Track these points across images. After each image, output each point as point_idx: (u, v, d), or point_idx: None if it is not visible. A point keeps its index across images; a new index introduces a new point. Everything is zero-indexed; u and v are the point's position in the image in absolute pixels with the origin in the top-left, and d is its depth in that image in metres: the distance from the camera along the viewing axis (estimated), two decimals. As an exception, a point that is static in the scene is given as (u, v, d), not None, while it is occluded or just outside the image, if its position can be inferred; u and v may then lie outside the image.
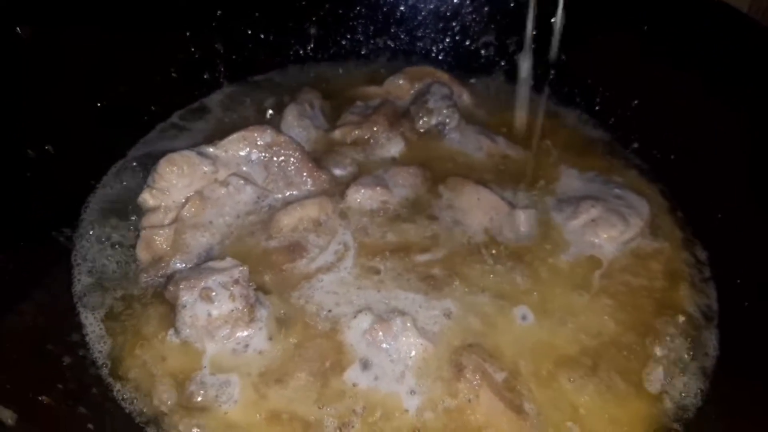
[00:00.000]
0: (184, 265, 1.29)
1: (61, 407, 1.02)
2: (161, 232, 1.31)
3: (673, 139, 1.56)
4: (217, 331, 1.16)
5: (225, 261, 1.22)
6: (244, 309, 1.17)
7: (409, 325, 1.19)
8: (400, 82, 1.73)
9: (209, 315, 1.15)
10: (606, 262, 1.36)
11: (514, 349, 1.20)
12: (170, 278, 1.23)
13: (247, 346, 1.18)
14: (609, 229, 1.37)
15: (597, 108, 1.73)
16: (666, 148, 1.57)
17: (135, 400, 1.11)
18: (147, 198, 1.34)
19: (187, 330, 1.16)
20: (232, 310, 1.16)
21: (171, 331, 1.18)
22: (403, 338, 1.18)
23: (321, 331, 1.21)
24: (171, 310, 1.19)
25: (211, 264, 1.22)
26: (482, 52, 1.86)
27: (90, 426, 1.02)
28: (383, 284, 1.29)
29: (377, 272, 1.31)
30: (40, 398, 0.99)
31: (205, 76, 1.75)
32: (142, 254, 1.31)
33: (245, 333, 1.18)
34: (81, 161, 1.44)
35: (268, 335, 1.19)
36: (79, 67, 1.46)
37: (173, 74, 1.69)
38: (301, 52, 1.87)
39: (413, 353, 1.17)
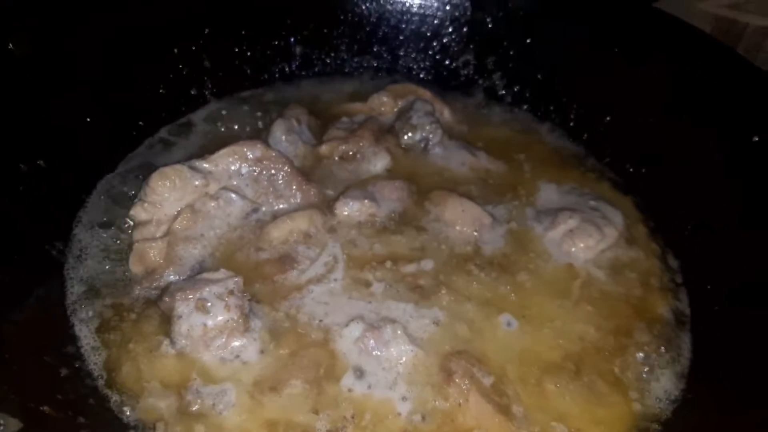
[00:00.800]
0: (177, 277, 1.30)
1: (61, 417, 1.02)
2: (154, 244, 1.32)
3: (645, 153, 1.62)
4: (213, 341, 1.17)
5: (219, 272, 1.23)
6: (239, 319, 1.18)
7: (399, 332, 1.21)
8: (384, 99, 1.76)
9: (205, 325, 1.17)
10: (584, 271, 1.41)
11: (501, 354, 1.23)
12: (165, 290, 1.24)
13: (242, 355, 1.19)
14: (586, 238, 1.42)
15: (571, 124, 1.79)
16: (638, 161, 1.63)
17: (131, 411, 1.11)
18: (139, 211, 1.35)
19: (183, 340, 1.17)
20: (228, 321, 1.17)
21: (166, 342, 1.18)
22: (394, 345, 1.21)
23: (314, 340, 1.23)
24: (165, 321, 1.20)
25: (205, 275, 1.23)
26: (462, 71, 1.91)
27: (89, 436, 1.03)
28: (373, 294, 1.31)
29: (367, 283, 1.33)
30: (42, 408, 1.00)
31: (192, 92, 1.77)
32: (135, 267, 1.32)
33: (240, 342, 1.19)
34: (72, 175, 1.45)
35: (262, 344, 1.21)
36: (69, 83, 1.46)
37: (161, 90, 1.70)
38: (286, 69, 1.90)
39: (404, 359, 1.20)
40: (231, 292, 1.19)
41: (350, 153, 1.60)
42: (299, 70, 1.91)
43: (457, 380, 1.16)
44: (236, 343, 1.19)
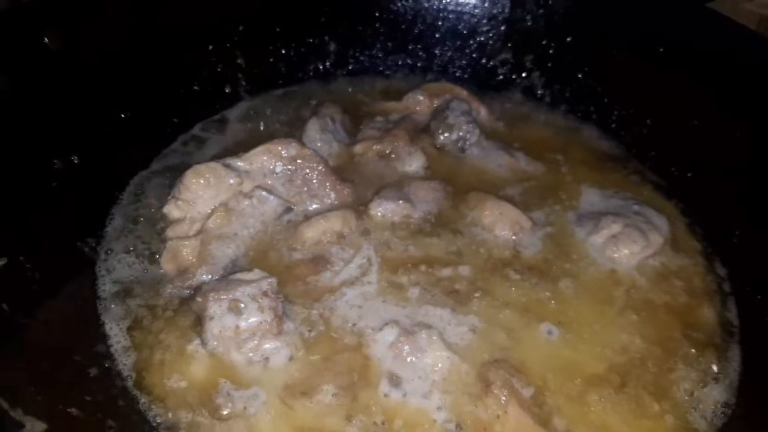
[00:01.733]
0: (210, 276, 1.26)
1: (89, 420, 0.99)
2: (187, 243, 1.29)
3: (689, 156, 1.54)
4: (245, 343, 1.13)
5: (253, 272, 1.19)
6: (273, 321, 1.14)
7: (435, 338, 1.16)
8: (420, 97, 1.71)
9: (237, 327, 1.12)
10: (628, 278, 1.33)
11: (541, 364, 1.17)
12: (197, 290, 1.19)
13: (274, 358, 1.14)
14: (630, 245, 1.34)
15: (613, 125, 1.71)
16: (682, 165, 1.55)
17: (161, 413, 1.07)
18: (172, 209, 1.32)
19: (214, 342, 1.13)
20: (261, 322, 1.13)
21: (197, 342, 1.14)
22: (430, 352, 1.15)
23: (347, 344, 1.18)
24: (197, 322, 1.16)
25: (239, 275, 1.19)
26: (499, 69, 1.85)
27: (119, 439, 1.00)
28: (408, 299, 1.26)
29: (401, 286, 1.28)
30: (69, 410, 0.97)
31: (226, 90, 1.73)
32: (168, 265, 1.28)
33: (273, 345, 1.15)
34: (105, 172, 1.42)
35: (294, 348, 1.16)
36: (105, 79, 1.44)
37: (195, 87, 1.67)
38: (320, 67, 1.85)
39: (440, 366, 1.14)
40: (265, 294, 1.14)
41: (385, 152, 1.55)
42: (333, 69, 1.86)
43: (495, 391, 1.10)
44: (268, 346, 1.14)
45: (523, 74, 1.82)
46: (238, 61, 1.73)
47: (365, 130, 1.63)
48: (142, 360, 1.14)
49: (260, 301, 1.14)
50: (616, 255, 1.35)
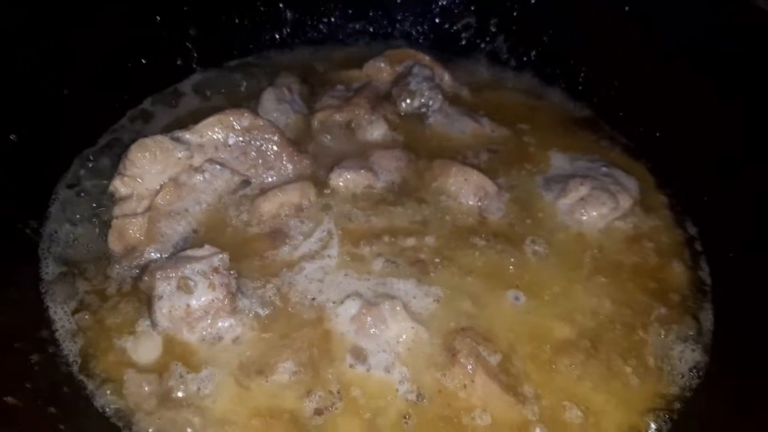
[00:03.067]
0: (159, 255, 1.21)
1: (29, 408, 0.93)
2: (134, 221, 1.23)
3: (658, 116, 1.50)
4: (197, 322, 1.08)
5: (203, 249, 1.14)
6: (225, 299, 1.09)
7: (398, 309, 1.12)
8: (381, 65, 1.65)
9: (188, 306, 1.07)
10: (597, 241, 1.31)
11: (509, 331, 1.14)
12: (145, 268, 1.14)
13: (228, 337, 1.10)
14: (599, 207, 1.31)
15: (580, 88, 1.67)
16: (650, 125, 1.52)
17: (109, 398, 1.03)
18: (118, 186, 1.25)
19: (165, 322, 1.08)
20: (213, 300, 1.08)
21: (147, 324, 1.09)
22: (394, 323, 1.11)
23: (306, 320, 1.14)
24: (146, 302, 1.11)
25: (189, 252, 1.14)
26: (463, 34, 1.80)
27: (61, 427, 0.95)
28: (371, 271, 1.22)
29: (363, 258, 1.24)
30: (5, 399, 0.91)
31: (177, 62, 1.66)
32: (115, 244, 1.22)
33: (227, 324, 1.10)
34: (47, 150, 1.34)
35: (250, 326, 1.11)
36: (45, 53, 1.36)
37: (144, 60, 1.59)
38: (276, 36, 1.79)
39: (405, 337, 1.11)
40: (216, 270, 1.09)
41: (345, 122, 1.49)
42: (290, 38, 1.80)
43: (462, 360, 1.07)
44: (222, 324, 1.10)
45: (488, 39, 1.78)
46: (190, 31, 1.66)
47: (324, 99, 1.58)
48: (89, 344, 1.09)
49: (211, 278, 1.09)
50: (584, 218, 1.32)
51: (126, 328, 1.10)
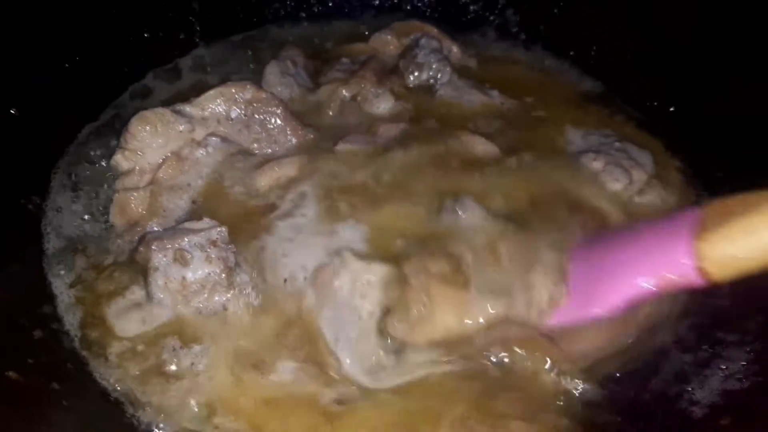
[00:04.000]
0: (160, 228, 1.19)
1: (32, 383, 0.93)
2: (136, 195, 1.22)
3: (672, 90, 1.48)
4: (194, 296, 1.07)
5: (202, 221, 1.13)
6: (222, 273, 1.08)
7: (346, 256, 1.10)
8: (388, 37, 1.63)
9: (184, 278, 1.06)
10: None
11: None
12: (141, 239, 1.13)
13: (224, 312, 1.09)
14: (612, 183, 1.28)
15: (592, 62, 1.64)
16: (664, 99, 1.49)
17: (109, 373, 1.02)
18: (120, 160, 1.24)
19: (160, 294, 1.07)
20: (209, 274, 1.07)
21: (142, 295, 1.09)
22: (345, 274, 1.08)
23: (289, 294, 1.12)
24: (142, 273, 1.10)
25: (187, 225, 1.12)
26: (471, 6, 1.77)
27: (64, 403, 0.95)
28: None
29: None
30: (7, 374, 0.90)
31: (180, 36, 1.64)
32: (117, 219, 1.22)
33: (224, 298, 1.09)
34: (49, 125, 1.34)
35: (247, 302, 1.10)
36: (46, 27, 1.35)
37: (146, 34, 1.58)
38: (281, 10, 1.76)
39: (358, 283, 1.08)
40: (214, 243, 1.08)
41: (351, 95, 1.47)
42: (294, 11, 1.77)
43: (413, 281, 1.06)
44: (219, 299, 1.08)
45: (496, 11, 1.75)
46: (192, 5, 1.64)
47: (330, 72, 1.55)
48: (90, 319, 1.08)
49: (209, 251, 1.07)
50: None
51: (125, 303, 1.09)
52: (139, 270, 1.12)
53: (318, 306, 1.09)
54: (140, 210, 1.21)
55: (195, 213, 1.22)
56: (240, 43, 1.69)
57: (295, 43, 1.64)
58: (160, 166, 1.24)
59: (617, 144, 1.38)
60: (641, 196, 1.30)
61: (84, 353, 1.04)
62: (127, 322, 1.07)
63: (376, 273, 1.07)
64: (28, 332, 1.01)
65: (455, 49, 1.61)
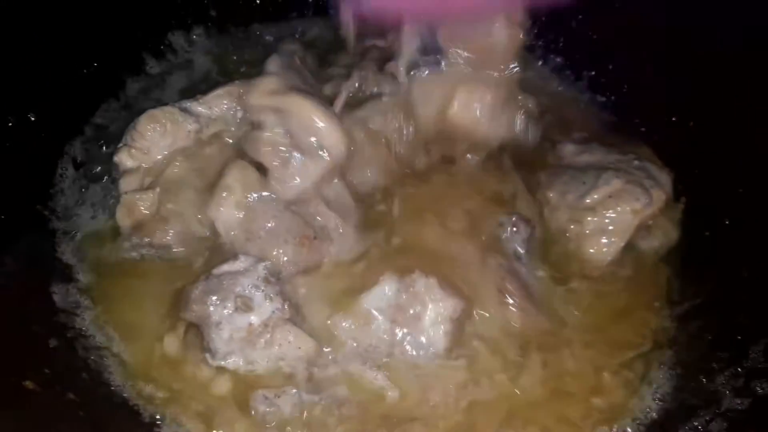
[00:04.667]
0: (171, 232, 1.22)
1: (47, 393, 0.95)
2: (144, 196, 1.23)
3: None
4: (258, 338, 1.08)
5: (239, 260, 1.13)
6: (285, 305, 1.10)
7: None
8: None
9: (250, 324, 1.07)
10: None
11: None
12: (186, 299, 1.11)
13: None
14: (632, 202, 1.29)
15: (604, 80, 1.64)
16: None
17: (129, 384, 1.05)
18: (124, 158, 1.25)
19: (225, 348, 1.07)
20: (273, 312, 1.09)
21: (207, 355, 1.08)
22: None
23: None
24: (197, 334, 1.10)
25: (225, 267, 1.12)
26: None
27: (80, 413, 0.97)
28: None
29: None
30: (24, 383, 0.92)
31: (183, 29, 1.63)
32: (124, 220, 1.23)
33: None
34: (56, 126, 1.34)
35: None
36: (47, 25, 1.32)
37: (150, 27, 1.57)
38: (284, 4, 1.75)
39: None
40: (266, 280, 1.10)
41: (354, 88, 1.46)
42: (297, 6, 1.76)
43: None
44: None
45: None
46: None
47: (332, 69, 1.56)
48: (107, 327, 1.12)
49: (264, 289, 1.10)
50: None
51: (144, 310, 1.13)
52: (153, 273, 1.16)
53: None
54: (147, 212, 1.22)
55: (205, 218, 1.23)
56: (245, 37, 1.70)
57: (298, 37, 1.66)
58: (166, 166, 1.25)
59: (636, 162, 1.38)
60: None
61: (103, 363, 1.06)
62: (149, 332, 1.11)
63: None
64: (43, 341, 1.02)
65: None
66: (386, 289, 1.13)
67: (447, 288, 1.13)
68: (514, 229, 1.27)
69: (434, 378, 1.11)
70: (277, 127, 1.20)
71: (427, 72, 1.37)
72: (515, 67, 1.29)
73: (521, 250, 1.26)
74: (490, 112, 1.33)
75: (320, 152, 1.18)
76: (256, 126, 1.22)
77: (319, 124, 1.17)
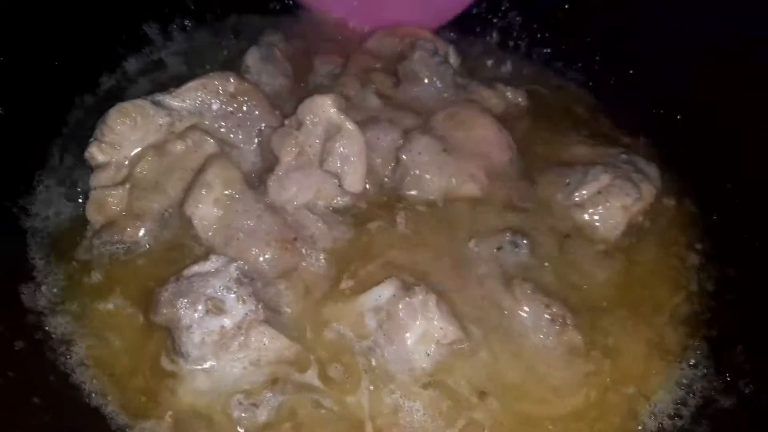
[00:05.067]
0: (143, 228, 1.21)
1: (11, 397, 0.93)
2: (114, 192, 1.21)
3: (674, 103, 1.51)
4: (231, 341, 1.06)
5: (210, 261, 1.11)
6: (259, 307, 1.08)
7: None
8: (383, 40, 1.66)
9: (222, 327, 1.05)
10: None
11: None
12: (157, 302, 1.08)
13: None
14: (623, 197, 1.31)
15: (596, 70, 1.69)
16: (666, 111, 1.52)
17: (97, 388, 1.03)
18: (95, 153, 1.23)
19: (196, 351, 1.05)
20: (246, 314, 1.07)
21: (179, 359, 1.07)
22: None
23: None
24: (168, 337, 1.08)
25: (196, 269, 1.10)
26: (473, 10, 1.77)
27: (46, 418, 0.95)
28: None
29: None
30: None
31: (162, 24, 1.64)
32: (94, 216, 1.21)
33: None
34: (32, 124, 1.33)
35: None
36: (22, 21, 1.33)
37: (124, 22, 1.57)
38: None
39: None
40: (238, 281, 1.08)
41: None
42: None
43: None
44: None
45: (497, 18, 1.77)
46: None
47: (315, 78, 1.58)
48: (77, 329, 1.10)
49: (237, 290, 1.07)
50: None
51: (112, 310, 1.12)
52: (122, 273, 1.14)
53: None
54: (118, 208, 1.21)
55: (176, 213, 1.23)
56: (221, 30, 1.70)
57: (279, 30, 1.65)
58: (137, 160, 1.24)
59: (624, 156, 1.40)
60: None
61: (70, 366, 1.04)
62: (120, 332, 1.10)
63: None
64: (8, 343, 1.00)
65: (451, 53, 1.63)
66: (385, 292, 1.13)
67: (446, 311, 1.12)
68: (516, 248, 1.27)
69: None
70: (317, 137, 1.26)
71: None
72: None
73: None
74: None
75: (335, 180, 1.28)
76: (293, 123, 1.26)
77: (358, 159, 1.26)
